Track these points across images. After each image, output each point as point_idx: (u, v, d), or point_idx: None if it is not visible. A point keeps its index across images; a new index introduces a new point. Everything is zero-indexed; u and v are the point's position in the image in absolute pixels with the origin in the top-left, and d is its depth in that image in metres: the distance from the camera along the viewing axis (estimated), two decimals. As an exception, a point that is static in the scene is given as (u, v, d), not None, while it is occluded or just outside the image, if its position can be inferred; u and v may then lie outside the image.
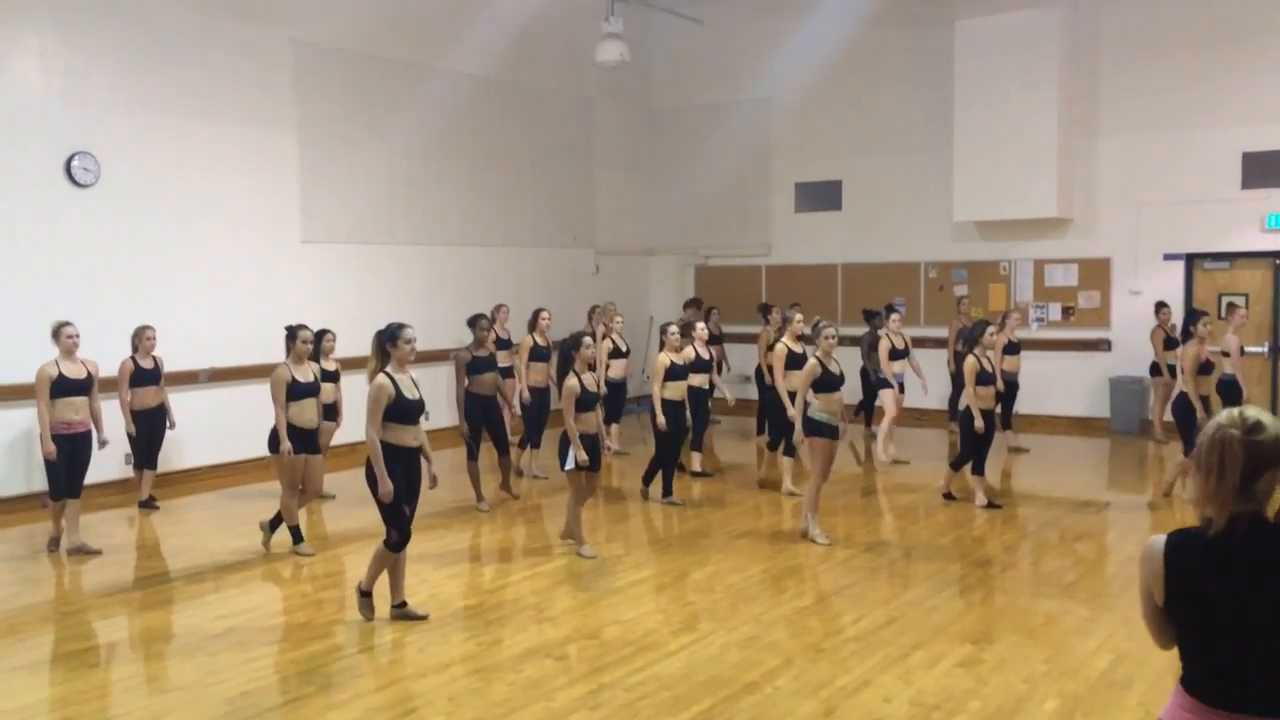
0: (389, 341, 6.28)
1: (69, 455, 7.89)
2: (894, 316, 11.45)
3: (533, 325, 10.76)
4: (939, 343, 13.37)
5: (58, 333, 7.97)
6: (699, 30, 15.46)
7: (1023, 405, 12.36)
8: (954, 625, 6.26)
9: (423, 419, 6.43)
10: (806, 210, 15.55)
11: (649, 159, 16.61)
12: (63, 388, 7.83)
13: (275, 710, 5.13)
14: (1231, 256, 12.88)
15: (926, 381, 11.74)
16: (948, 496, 9.52)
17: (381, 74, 12.45)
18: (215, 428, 10.73)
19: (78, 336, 7.99)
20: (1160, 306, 12.34)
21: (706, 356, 10.35)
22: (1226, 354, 10.32)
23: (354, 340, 10.73)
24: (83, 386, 7.95)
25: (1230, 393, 10.35)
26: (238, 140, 11.00)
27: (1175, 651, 5.90)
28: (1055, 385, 13.54)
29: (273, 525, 8.02)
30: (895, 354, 11.35)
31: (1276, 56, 12.36)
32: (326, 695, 5.29)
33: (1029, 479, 10.75)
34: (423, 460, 6.40)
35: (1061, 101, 13.10)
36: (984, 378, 9.18)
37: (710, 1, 15.26)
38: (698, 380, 10.17)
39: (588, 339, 7.82)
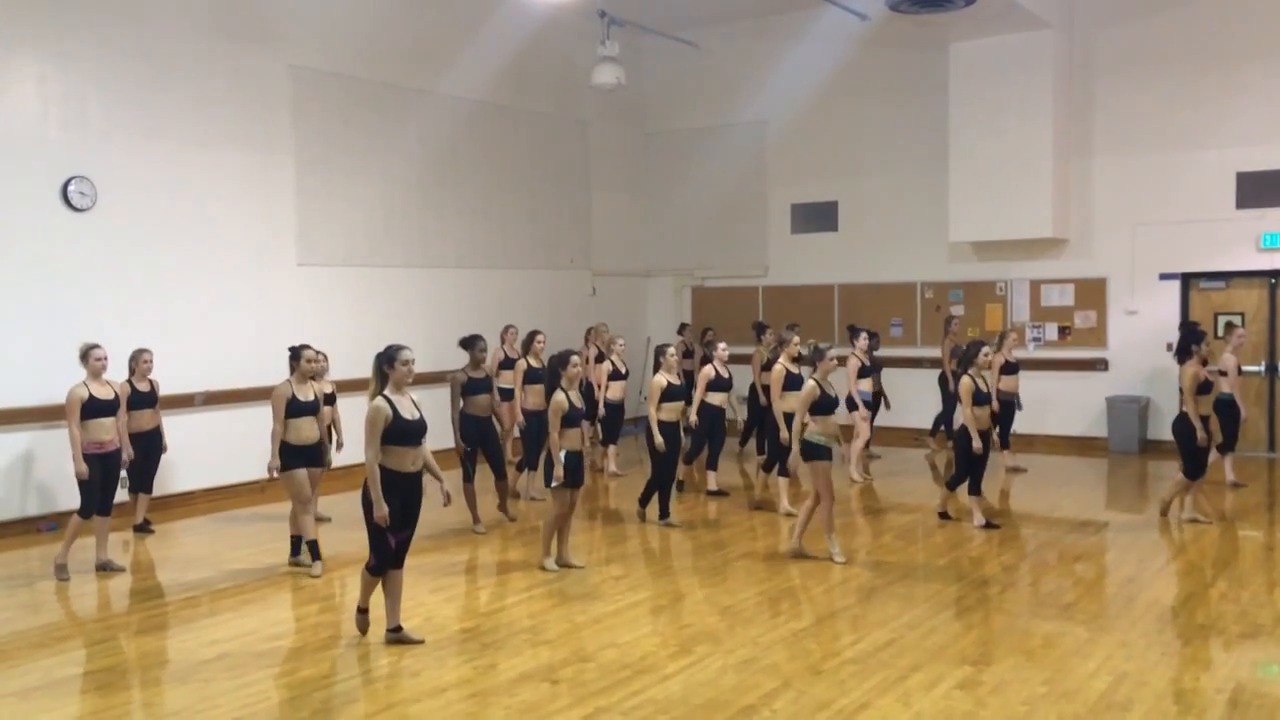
0: (386, 363, 6.27)
1: (102, 473, 8.01)
2: (861, 335, 11.47)
3: (528, 347, 10.76)
4: (937, 363, 13.35)
5: (86, 355, 8.10)
6: (694, 54, 15.55)
7: (1020, 425, 12.32)
8: (953, 647, 6.22)
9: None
10: (803, 231, 15.58)
11: (645, 181, 16.66)
12: (94, 409, 7.97)
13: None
14: (1227, 276, 12.92)
15: (889, 400, 11.80)
16: (943, 516, 9.51)
17: (378, 98, 12.50)
18: (211, 451, 10.71)
19: (106, 359, 8.15)
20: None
21: (726, 375, 10.44)
22: (1224, 373, 10.31)
23: (351, 363, 10.78)
24: (112, 406, 8.11)
25: (1228, 412, 10.35)
26: (234, 164, 11.04)
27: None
28: (1053, 405, 13.53)
29: (313, 550, 8.06)
30: (864, 371, 11.41)
31: (1269, 77, 12.43)
32: (320, 721, 5.25)
33: (1027, 499, 10.72)
34: (430, 479, 6.41)
35: (1056, 122, 13.16)
36: (980, 398, 9.17)
37: (705, 25, 15.35)
38: (718, 399, 10.36)
39: (575, 357, 7.92)
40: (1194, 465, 9.21)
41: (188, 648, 6.41)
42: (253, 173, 11.22)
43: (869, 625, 6.60)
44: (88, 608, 7.42)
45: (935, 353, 13.46)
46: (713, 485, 10.89)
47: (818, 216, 15.44)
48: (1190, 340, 9.51)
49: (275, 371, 11.13)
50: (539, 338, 10.78)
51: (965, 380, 9.17)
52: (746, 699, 5.43)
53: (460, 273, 13.55)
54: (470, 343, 9.64)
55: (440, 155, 13.26)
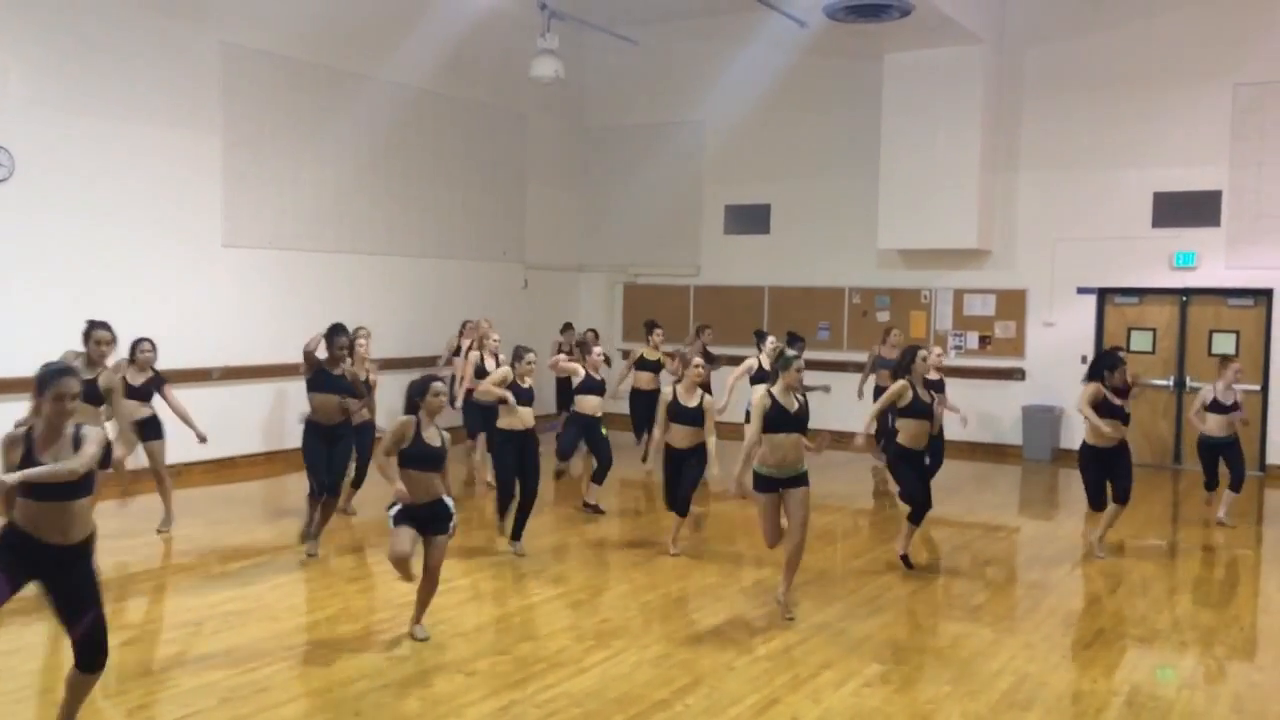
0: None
1: None
2: (769, 339, 10.98)
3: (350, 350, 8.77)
4: (860, 367, 13.54)
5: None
6: (634, 51, 15.59)
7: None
8: (863, 646, 6.35)
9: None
10: (735, 232, 15.73)
11: (581, 176, 16.66)
12: None
13: None
14: (1141, 292, 13.34)
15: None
16: (903, 559, 8.15)
17: (312, 80, 12.31)
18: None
19: None
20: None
21: (599, 379, 9.66)
22: (1236, 407, 9.70)
23: (274, 348, 10.64)
24: None
25: (1234, 451, 9.72)
26: (160, 141, 10.78)
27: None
28: (970, 412, 13.78)
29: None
30: (762, 377, 10.32)
31: (1187, 102, 12.85)
32: (229, 709, 5.17)
33: (943, 503, 10.91)
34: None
35: (984, 136, 13.47)
36: (918, 408, 7.87)
37: (646, 23, 15.40)
38: (590, 406, 9.58)
39: (439, 384, 6.20)
40: (1090, 494, 8.58)
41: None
42: (178, 150, 10.97)
43: (783, 623, 6.70)
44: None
45: (861, 357, 13.58)
46: (590, 498, 9.84)
47: (751, 218, 15.60)
48: (1103, 364, 8.57)
49: (196, 354, 10.99)
50: (361, 336, 9.42)
51: (900, 384, 7.87)
52: (660, 694, 5.48)
53: (391, 260, 13.41)
54: (332, 335, 8.19)
55: (375, 141, 13.10)
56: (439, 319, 13.17)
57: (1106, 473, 8.45)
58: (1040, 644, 6.43)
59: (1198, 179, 12.84)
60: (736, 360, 11.23)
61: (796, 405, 6.79)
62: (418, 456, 6.06)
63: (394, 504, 6.06)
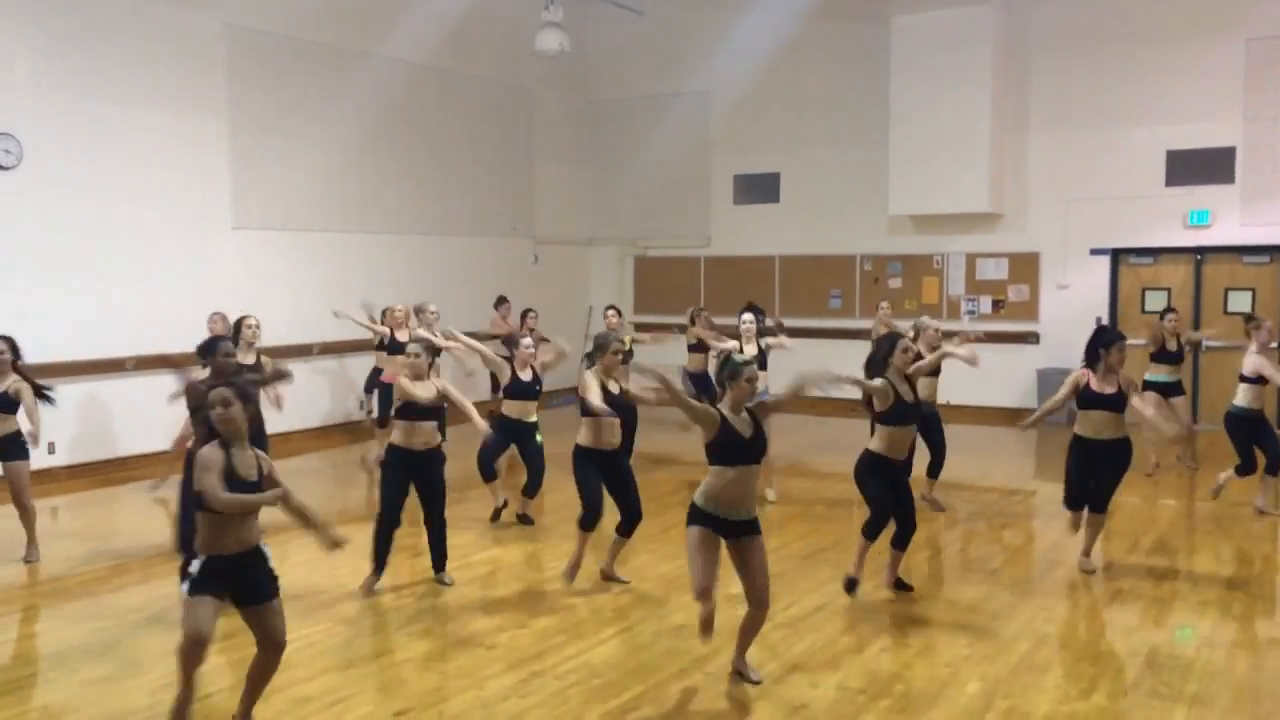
0: None
1: None
2: (746, 315, 10.39)
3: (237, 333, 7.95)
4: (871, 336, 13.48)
5: None
6: (639, 22, 15.48)
7: (953, 395, 12.30)
8: (881, 611, 6.37)
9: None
10: (745, 202, 15.66)
11: (589, 149, 16.59)
12: None
13: (199, 701, 5.05)
14: (1155, 252, 13.24)
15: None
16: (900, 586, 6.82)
17: (317, 59, 12.27)
18: (146, 415, 10.54)
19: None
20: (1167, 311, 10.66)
21: (528, 380, 8.22)
22: (1263, 379, 8.57)
23: (288, 329, 10.66)
24: None
25: (1247, 428, 8.67)
26: (167, 125, 10.79)
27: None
28: (985, 376, 13.69)
29: None
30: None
31: (1199, 57, 12.70)
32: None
33: (959, 468, 10.92)
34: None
35: (994, 98, 13.35)
36: (899, 413, 6.39)
37: (650, -8, 15.29)
38: (518, 411, 8.22)
39: (222, 391, 4.54)
40: (1067, 489, 7.23)
41: (116, 613, 6.33)
42: (186, 133, 10.98)
43: (801, 590, 6.72)
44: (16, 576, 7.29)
45: (871, 324, 13.51)
46: (498, 500, 8.51)
47: (760, 187, 15.52)
48: (1099, 343, 7.09)
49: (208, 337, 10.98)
50: (248, 320, 8.28)
51: (880, 384, 6.36)
52: (679, 663, 5.52)
53: (401, 239, 13.40)
54: (209, 348, 6.75)
55: (381, 119, 13.07)
56: (451, 296, 13.15)
57: (1090, 472, 7.02)
58: (1058, 606, 6.43)
59: (1211, 136, 12.70)
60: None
61: (751, 429, 5.07)
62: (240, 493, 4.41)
63: (189, 560, 4.70)
